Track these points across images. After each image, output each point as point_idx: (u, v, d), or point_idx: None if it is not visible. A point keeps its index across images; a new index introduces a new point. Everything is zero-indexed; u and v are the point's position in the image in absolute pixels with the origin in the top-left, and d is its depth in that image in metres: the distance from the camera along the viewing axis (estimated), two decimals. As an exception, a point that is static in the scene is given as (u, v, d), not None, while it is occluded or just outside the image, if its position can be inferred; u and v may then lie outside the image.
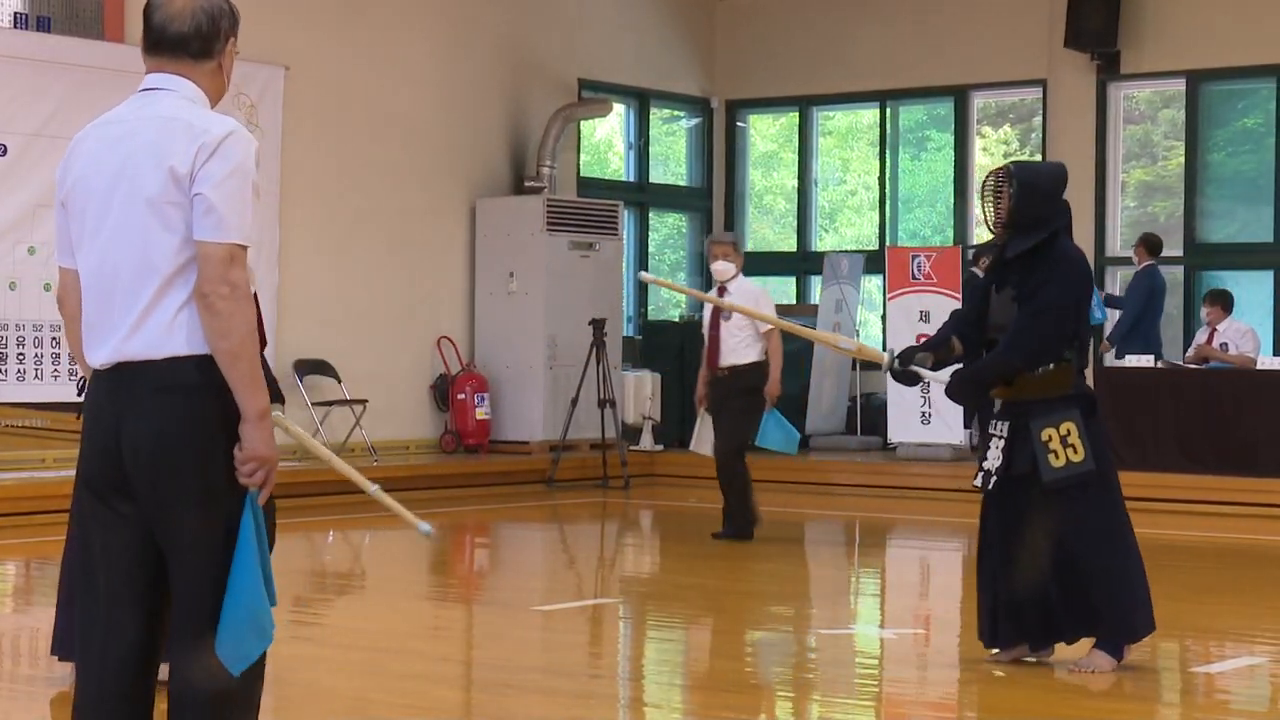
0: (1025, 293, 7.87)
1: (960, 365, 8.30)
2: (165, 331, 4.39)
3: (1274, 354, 17.41)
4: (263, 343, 4.65)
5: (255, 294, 4.54)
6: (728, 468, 12.95)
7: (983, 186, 8.08)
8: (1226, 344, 16.33)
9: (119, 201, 4.44)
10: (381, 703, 7.45)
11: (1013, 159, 19.75)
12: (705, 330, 13.10)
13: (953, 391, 8.25)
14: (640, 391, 18.83)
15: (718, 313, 12.81)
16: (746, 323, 12.64)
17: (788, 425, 12.86)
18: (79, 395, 7.52)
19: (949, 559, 13.39)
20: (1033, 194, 7.90)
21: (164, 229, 4.40)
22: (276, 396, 7.55)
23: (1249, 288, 17.94)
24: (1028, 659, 8.04)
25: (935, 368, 8.27)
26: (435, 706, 7.47)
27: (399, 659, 8.53)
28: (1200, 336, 16.75)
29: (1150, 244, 16.95)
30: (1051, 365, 7.84)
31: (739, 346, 12.83)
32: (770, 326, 12.65)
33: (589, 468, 17.44)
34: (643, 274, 10.23)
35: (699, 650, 9.26)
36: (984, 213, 8.11)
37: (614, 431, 17.20)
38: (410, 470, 16.34)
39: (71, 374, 15.05)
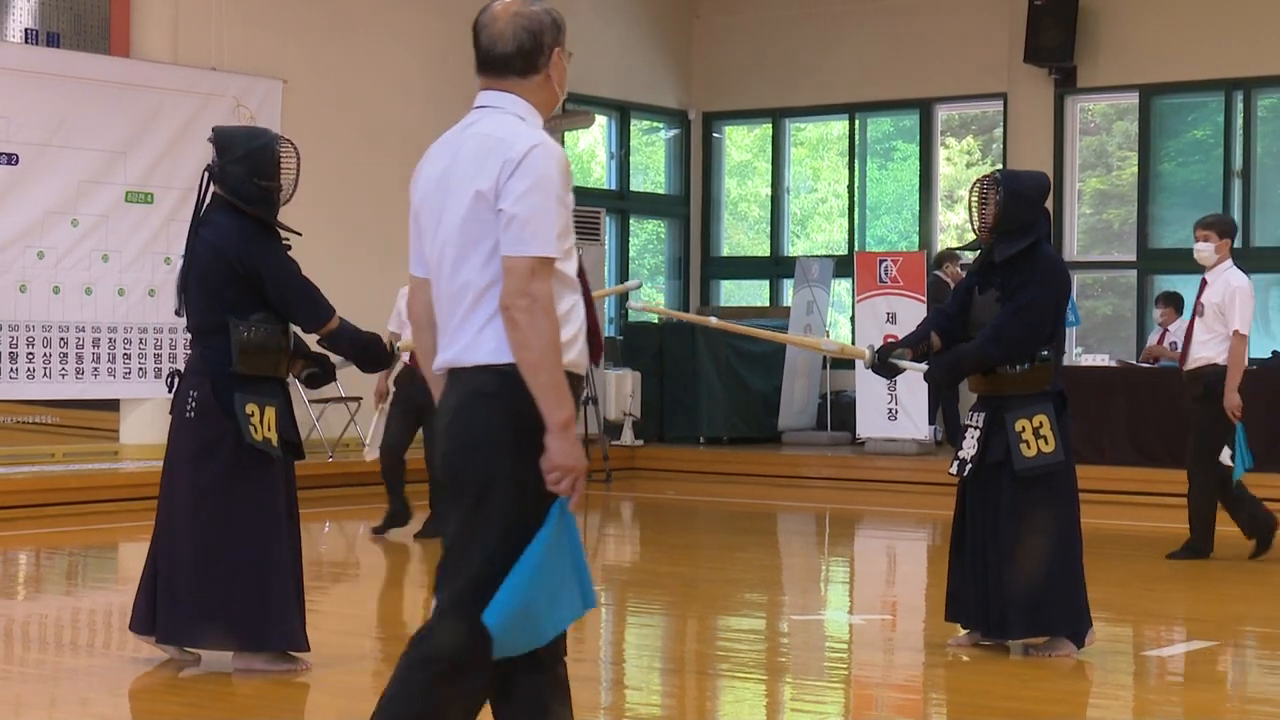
0: (1008, 293, 7.92)
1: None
2: (476, 340, 4.36)
3: (1222, 353, 17.41)
4: (597, 350, 4.59)
5: (586, 298, 4.49)
6: (394, 464, 12.62)
7: (970, 193, 8.11)
8: (1176, 343, 16.37)
9: (446, 217, 4.46)
10: (374, 687, 7.43)
11: (976, 169, 19.85)
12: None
13: (933, 373, 8.22)
14: (621, 389, 18.81)
15: None
16: None
17: None
18: (169, 390, 7.61)
19: (914, 548, 13.40)
20: (1018, 201, 7.94)
21: (474, 245, 4.38)
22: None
23: (1199, 291, 17.95)
24: (983, 643, 8.05)
25: (919, 359, 8.26)
26: (426, 689, 7.44)
27: (392, 645, 8.51)
28: (1153, 337, 16.79)
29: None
30: (1027, 364, 7.87)
31: None
32: None
33: (572, 462, 17.40)
34: (631, 304, 9.89)
35: (676, 635, 9.26)
36: (971, 218, 8.12)
37: (596, 427, 17.19)
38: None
39: (79, 373, 15.01)
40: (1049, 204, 8.26)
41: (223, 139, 7.52)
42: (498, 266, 4.33)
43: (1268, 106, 18.38)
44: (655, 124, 21.51)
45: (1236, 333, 11.20)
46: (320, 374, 7.74)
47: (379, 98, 17.49)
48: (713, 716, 7.13)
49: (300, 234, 7.64)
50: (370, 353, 7.69)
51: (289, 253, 7.53)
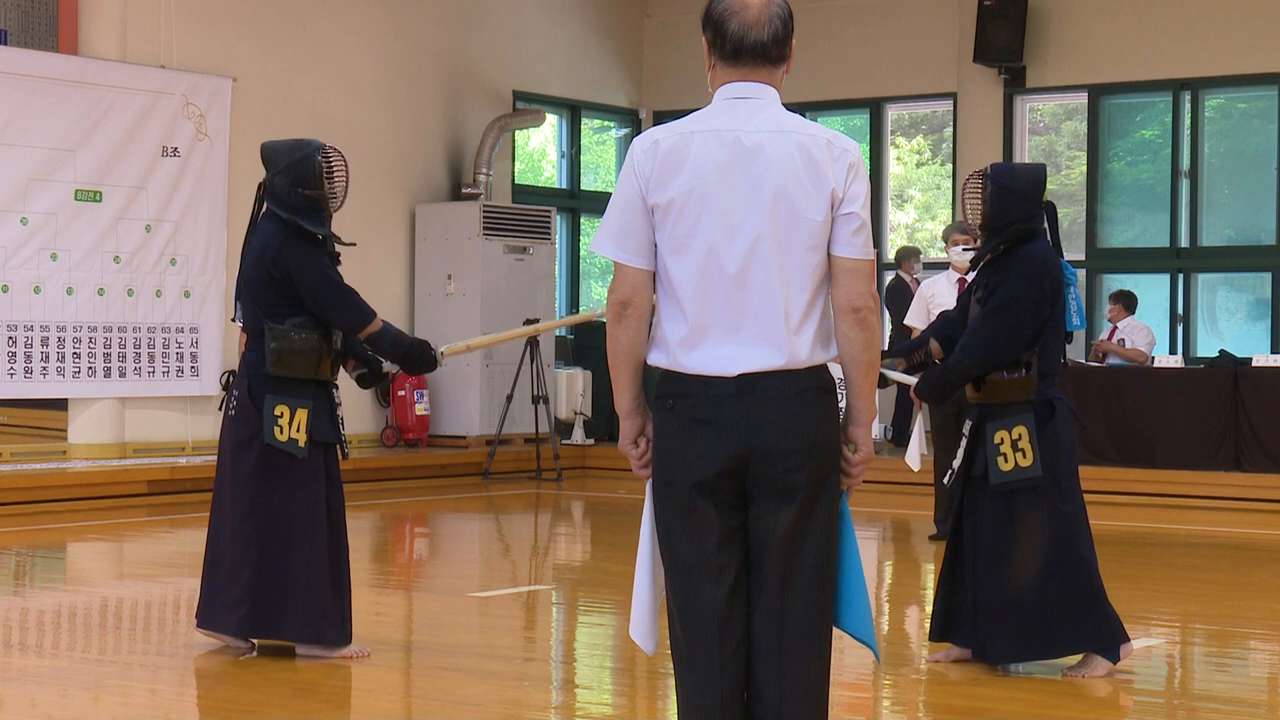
0: (987, 294, 7.60)
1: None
2: (805, 340, 4.31)
3: (1169, 352, 17.57)
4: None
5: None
6: None
7: (963, 189, 7.84)
8: (1124, 340, 16.61)
9: (760, 212, 4.28)
10: (325, 685, 7.42)
11: (925, 168, 19.91)
12: None
13: (920, 389, 7.85)
14: (572, 388, 18.81)
15: None
16: None
17: None
18: (223, 390, 8.02)
19: (862, 546, 13.42)
20: (1006, 196, 7.56)
21: (813, 246, 4.31)
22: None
23: (1147, 289, 18.08)
24: (964, 659, 7.82)
25: (912, 370, 8.06)
26: (377, 689, 7.45)
27: (375, 631, 8.49)
28: (1103, 334, 16.99)
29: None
30: (1022, 370, 7.48)
31: None
32: None
33: (523, 461, 17.43)
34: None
35: (627, 634, 9.24)
36: (964, 214, 7.97)
37: (547, 426, 17.18)
38: (353, 464, 16.24)
39: (27, 372, 14.92)
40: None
41: (268, 153, 7.85)
42: (823, 267, 4.32)
43: (1215, 107, 18.50)
44: (606, 123, 21.51)
45: None
46: (369, 375, 8.05)
47: (328, 96, 17.44)
48: (664, 715, 7.13)
49: (354, 244, 7.99)
50: (413, 356, 7.98)
51: (338, 259, 7.82)
